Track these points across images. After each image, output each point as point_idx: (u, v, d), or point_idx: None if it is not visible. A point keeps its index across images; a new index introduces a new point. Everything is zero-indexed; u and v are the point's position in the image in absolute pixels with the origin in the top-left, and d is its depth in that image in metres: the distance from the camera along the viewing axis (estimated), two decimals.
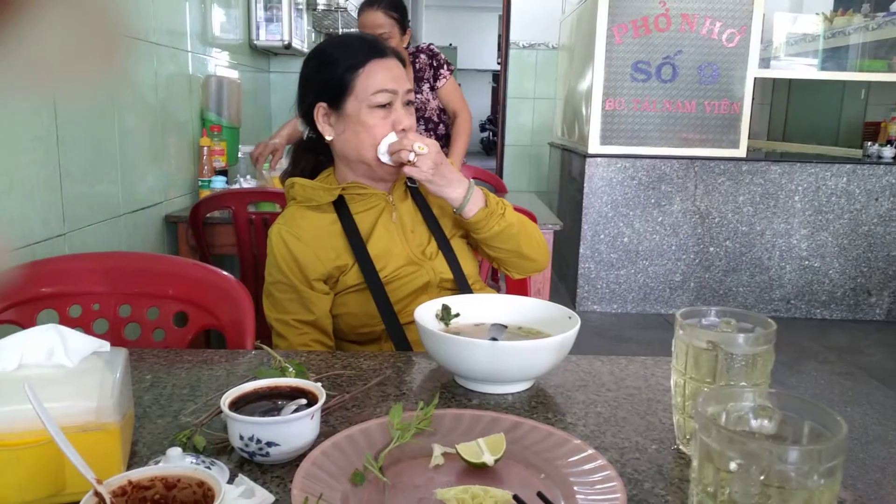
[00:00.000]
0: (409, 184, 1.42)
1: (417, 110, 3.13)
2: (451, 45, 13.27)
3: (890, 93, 4.92)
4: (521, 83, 5.85)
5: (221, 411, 0.78)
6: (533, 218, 1.84)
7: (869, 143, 4.46)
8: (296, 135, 2.68)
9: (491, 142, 13.22)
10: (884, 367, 3.53)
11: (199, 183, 2.73)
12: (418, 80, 3.13)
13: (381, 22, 2.90)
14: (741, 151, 4.16)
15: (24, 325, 1.29)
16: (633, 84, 4.12)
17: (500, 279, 2.54)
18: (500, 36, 6.98)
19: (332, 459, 0.75)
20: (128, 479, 0.60)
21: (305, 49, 3.99)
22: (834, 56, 4.77)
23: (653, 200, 4.21)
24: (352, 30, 4.61)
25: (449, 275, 1.35)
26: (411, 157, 1.24)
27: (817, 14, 4.84)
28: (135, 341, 1.38)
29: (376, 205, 1.36)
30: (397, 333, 1.29)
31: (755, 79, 4.10)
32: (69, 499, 0.69)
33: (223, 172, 2.79)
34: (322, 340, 1.31)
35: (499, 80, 6.25)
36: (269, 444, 0.75)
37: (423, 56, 3.13)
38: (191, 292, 1.38)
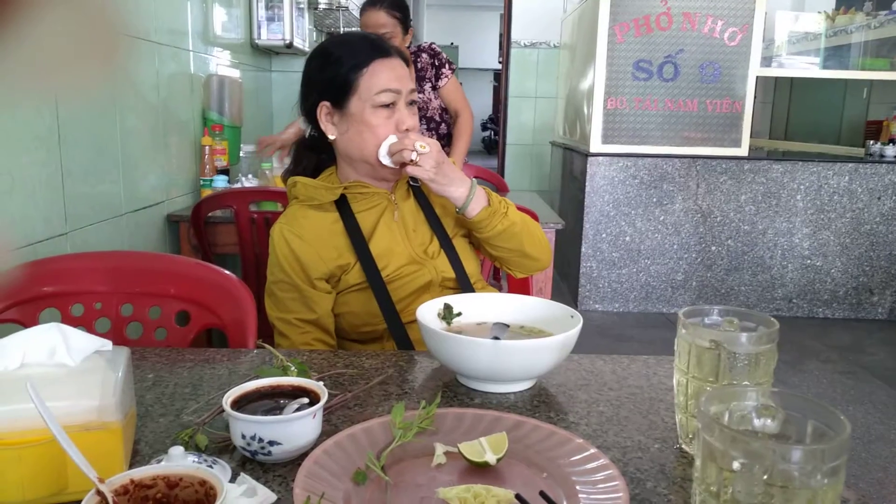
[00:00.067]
0: (411, 183, 1.42)
1: (419, 110, 3.12)
2: (452, 44, 13.25)
3: (892, 91, 4.91)
4: (523, 82, 5.84)
5: (223, 410, 0.78)
6: (535, 217, 1.84)
7: (871, 142, 4.45)
8: (302, 133, 2.69)
9: (492, 141, 13.21)
10: (886, 367, 3.52)
11: (201, 182, 2.74)
12: (420, 80, 3.12)
13: (383, 21, 2.90)
14: (743, 150, 4.15)
15: (26, 324, 1.29)
16: (635, 83, 4.11)
17: (502, 278, 2.53)
18: (501, 35, 6.97)
19: (334, 458, 0.74)
20: (130, 478, 0.60)
21: (307, 48, 3.99)
22: (836, 54, 4.76)
23: (654, 199, 4.20)
24: (353, 29, 4.61)
25: (451, 274, 1.35)
26: (413, 156, 1.24)
27: (819, 12, 4.83)
28: (137, 340, 1.38)
29: (378, 204, 1.36)
30: (399, 332, 1.29)
31: (757, 77, 4.09)
32: (71, 498, 0.69)
33: (225, 171, 2.79)
34: (324, 339, 1.31)
35: (500, 79, 6.24)
36: (272, 442, 0.75)
37: (424, 55, 3.13)
38: (193, 291, 1.38)
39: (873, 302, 4.27)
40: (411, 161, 1.25)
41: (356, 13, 4.52)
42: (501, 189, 3.53)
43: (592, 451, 0.77)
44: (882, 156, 4.25)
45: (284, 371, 0.91)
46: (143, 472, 0.60)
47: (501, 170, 5.94)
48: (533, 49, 5.77)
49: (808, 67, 4.88)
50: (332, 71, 1.31)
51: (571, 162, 4.73)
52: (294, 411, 0.79)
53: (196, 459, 0.75)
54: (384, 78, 1.29)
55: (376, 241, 1.32)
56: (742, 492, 0.55)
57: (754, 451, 0.54)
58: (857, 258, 4.22)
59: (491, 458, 0.75)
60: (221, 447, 0.81)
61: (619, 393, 1.00)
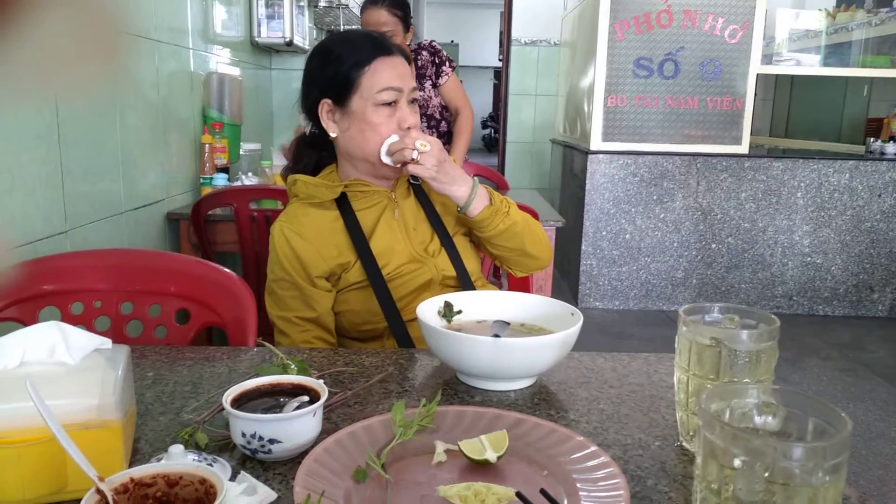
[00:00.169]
0: (411, 181, 1.42)
1: (420, 108, 3.12)
2: (452, 41, 13.24)
3: (893, 89, 4.91)
4: (523, 80, 5.83)
5: (223, 408, 0.78)
6: (535, 215, 1.83)
7: (871, 140, 4.44)
8: None
9: (493, 139, 13.20)
10: (886, 364, 3.52)
11: (201, 180, 2.73)
12: (420, 78, 3.12)
13: (384, 20, 2.89)
14: (743, 148, 4.15)
15: (26, 322, 1.29)
16: (635, 80, 4.11)
17: (503, 276, 2.53)
18: (501, 32, 6.97)
19: (335, 456, 0.74)
20: (130, 477, 0.60)
21: (307, 46, 3.99)
22: (837, 52, 4.76)
23: (655, 197, 4.20)
24: (354, 27, 4.61)
25: (451, 272, 1.35)
26: (414, 154, 1.24)
27: (820, 10, 4.83)
28: (137, 338, 1.38)
29: (379, 202, 1.36)
30: (400, 331, 1.29)
31: (757, 75, 4.09)
32: (71, 496, 0.69)
33: (225, 170, 2.79)
34: (324, 337, 1.31)
35: (500, 76, 6.24)
36: (272, 441, 0.75)
37: (424, 53, 3.12)
38: (193, 289, 1.37)
39: (873, 299, 4.27)
40: (412, 160, 1.24)
41: (356, 11, 4.52)
42: (502, 187, 3.53)
43: (593, 448, 0.77)
44: (882, 153, 4.25)
45: (284, 369, 0.91)
46: (143, 471, 0.60)
47: (502, 168, 5.94)
48: (533, 47, 5.77)
49: (808, 65, 4.88)
50: (334, 69, 1.30)
51: (572, 160, 4.73)
52: (294, 409, 0.79)
53: (196, 458, 0.75)
54: (386, 76, 1.29)
55: (377, 239, 1.32)
56: (743, 489, 0.55)
57: (755, 449, 0.54)
58: (857, 255, 4.21)
59: (491, 455, 0.75)
60: (221, 445, 0.81)
61: (620, 390, 1.00)
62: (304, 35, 4.02)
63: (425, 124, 3.21)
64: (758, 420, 0.62)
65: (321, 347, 1.26)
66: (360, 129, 1.30)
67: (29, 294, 1.33)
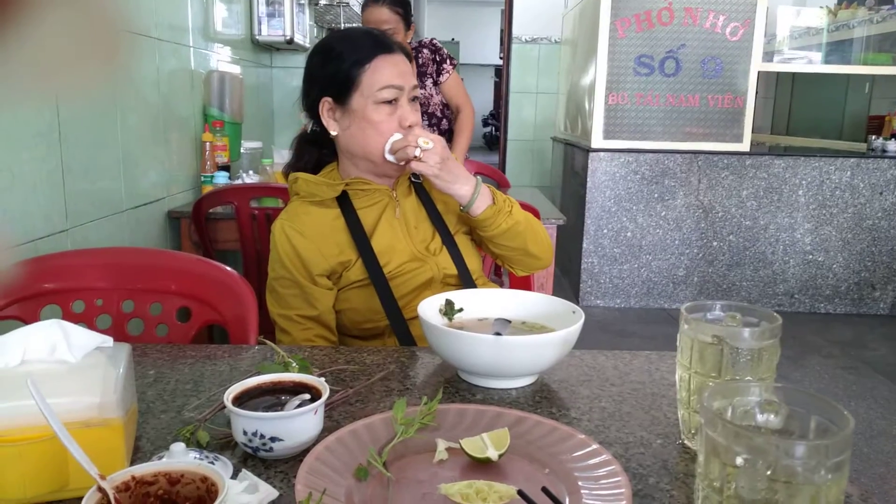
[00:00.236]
0: (412, 179, 1.42)
1: (420, 106, 3.11)
2: (453, 39, 13.22)
3: (894, 86, 4.89)
4: (524, 78, 5.83)
5: (225, 406, 0.78)
6: (536, 213, 1.83)
7: (873, 137, 4.44)
8: None
9: (493, 137, 13.18)
10: (888, 362, 3.52)
11: (202, 178, 2.73)
12: (421, 76, 3.12)
13: (385, 17, 2.89)
14: (745, 145, 4.14)
15: (27, 320, 1.29)
16: (636, 78, 4.10)
17: (504, 274, 2.53)
18: (502, 30, 6.96)
19: (336, 455, 0.74)
20: (131, 475, 0.59)
21: (307, 44, 3.98)
22: (838, 49, 4.75)
23: (656, 195, 4.20)
24: (354, 25, 4.61)
25: (453, 270, 1.35)
26: (417, 152, 1.24)
27: (821, 7, 4.82)
28: (138, 337, 1.38)
29: (380, 200, 1.35)
30: (401, 329, 1.28)
31: (759, 72, 4.08)
32: (72, 494, 0.69)
33: (226, 168, 2.79)
34: (325, 336, 1.31)
35: (501, 74, 6.23)
36: (273, 439, 0.75)
37: (425, 51, 3.12)
38: (194, 288, 1.37)
39: (875, 297, 4.27)
40: (415, 157, 1.24)
41: (357, 9, 4.52)
42: (502, 185, 3.53)
43: (594, 446, 0.77)
44: (884, 151, 4.24)
45: (286, 367, 0.91)
46: (145, 469, 0.60)
47: (502, 166, 5.94)
48: (534, 44, 5.76)
49: (810, 62, 4.87)
50: (334, 66, 1.30)
51: (573, 157, 4.72)
52: (295, 407, 0.79)
53: (198, 456, 0.75)
54: (386, 74, 1.28)
55: (378, 237, 1.32)
56: (745, 487, 0.55)
57: (757, 447, 0.54)
58: (858, 253, 4.21)
59: (493, 453, 0.75)
60: (223, 443, 0.81)
61: (622, 388, 1.00)
62: (305, 33, 4.02)
63: (426, 122, 3.20)
64: (760, 418, 0.62)
65: (322, 345, 1.26)
66: (360, 128, 1.29)
67: (30, 292, 1.33)
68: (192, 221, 2.42)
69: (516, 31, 5.75)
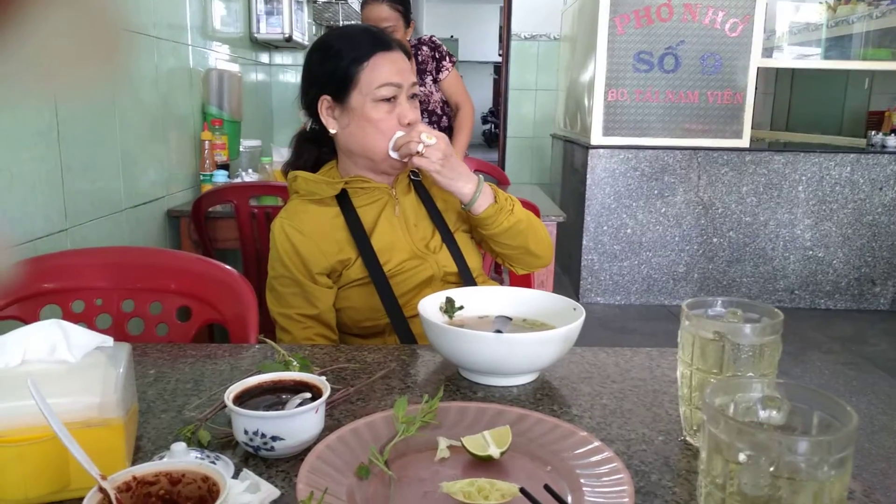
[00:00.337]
0: (412, 177, 1.42)
1: (421, 103, 3.11)
2: (452, 36, 13.22)
3: (894, 82, 4.89)
4: (523, 75, 5.83)
5: (226, 406, 0.77)
6: (536, 210, 1.83)
7: (873, 133, 4.44)
8: None
9: (493, 134, 13.18)
10: (888, 357, 3.52)
11: (201, 177, 2.73)
12: (421, 73, 3.11)
13: (385, 15, 2.88)
14: (744, 142, 4.14)
15: (27, 320, 1.28)
16: (636, 74, 4.10)
17: (504, 272, 2.53)
18: (501, 27, 6.95)
19: (337, 453, 0.74)
20: (132, 475, 0.59)
21: (306, 42, 3.98)
22: (837, 45, 4.75)
23: (656, 191, 4.20)
24: (353, 22, 4.60)
25: (453, 268, 1.35)
26: (419, 147, 1.23)
27: (820, 3, 4.81)
28: (138, 336, 1.38)
29: (379, 198, 1.35)
30: (402, 327, 1.28)
31: (758, 68, 4.08)
32: (73, 495, 0.69)
33: (225, 166, 2.79)
34: (326, 334, 1.31)
35: (500, 71, 6.23)
36: (274, 438, 0.75)
37: (425, 48, 3.12)
38: (194, 287, 1.37)
39: (875, 292, 4.27)
40: (417, 153, 1.24)
41: (355, 6, 4.52)
42: (502, 182, 3.53)
43: (596, 443, 0.76)
44: (884, 146, 4.24)
45: (286, 366, 0.91)
46: (146, 469, 0.60)
47: (502, 163, 5.94)
48: (533, 41, 5.75)
49: (809, 58, 4.86)
50: (333, 64, 1.30)
51: (572, 154, 4.72)
52: (296, 406, 0.78)
53: (199, 455, 0.74)
54: (385, 72, 1.28)
55: (378, 235, 1.31)
56: (748, 484, 0.55)
57: (760, 443, 0.54)
58: (859, 249, 4.21)
59: (494, 451, 0.75)
60: (224, 443, 0.81)
61: (623, 385, 1.00)
62: (304, 31, 4.01)
63: (426, 120, 3.20)
64: (762, 414, 0.62)
65: (323, 344, 1.26)
66: (359, 126, 1.29)
67: (30, 292, 1.32)
68: (192, 220, 2.42)
69: (515, 27, 5.75)
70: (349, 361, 1.07)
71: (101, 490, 0.57)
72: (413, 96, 1.32)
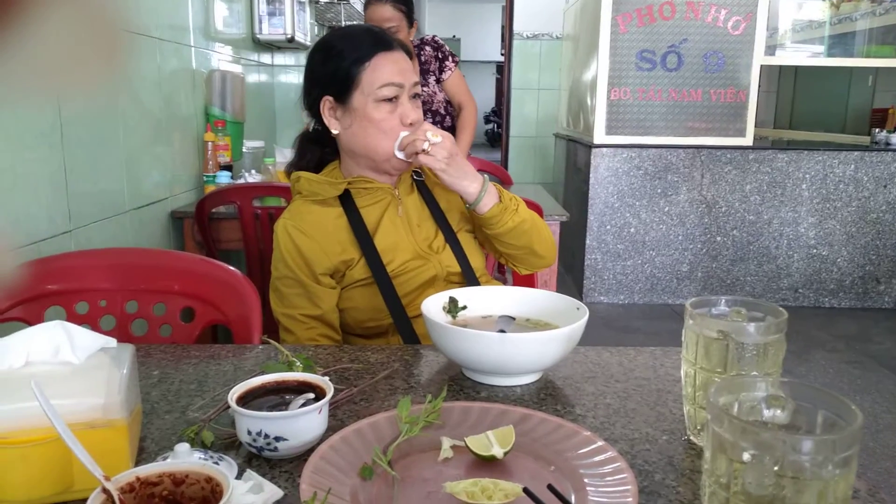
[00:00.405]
0: (415, 177, 1.42)
1: (424, 103, 3.11)
2: (454, 36, 13.21)
3: None
4: (526, 74, 5.82)
5: (229, 406, 0.77)
6: (539, 210, 1.83)
7: (877, 130, 4.42)
8: None
9: (496, 133, 13.17)
10: (893, 356, 3.51)
11: (204, 178, 2.73)
12: (424, 73, 3.11)
13: (389, 15, 2.88)
14: (748, 140, 4.13)
15: (31, 322, 1.29)
16: (639, 73, 4.09)
17: (507, 272, 2.53)
18: (503, 27, 6.95)
19: (341, 454, 0.74)
20: (136, 476, 0.59)
21: (308, 42, 3.98)
22: (841, 42, 4.73)
23: (659, 190, 4.19)
24: (355, 22, 4.60)
25: (456, 268, 1.35)
26: (425, 145, 1.23)
27: (824, 0, 4.80)
28: (142, 337, 1.38)
29: (382, 199, 1.35)
30: (405, 327, 1.28)
31: (761, 66, 4.07)
32: (77, 496, 0.69)
33: (228, 167, 2.79)
34: (329, 335, 1.31)
35: (503, 71, 6.22)
36: (278, 438, 0.75)
37: (428, 48, 3.11)
38: (197, 288, 1.37)
39: (880, 291, 4.26)
40: (423, 150, 1.24)
41: (357, 7, 4.52)
42: (505, 182, 3.52)
43: (600, 443, 0.76)
44: (888, 144, 4.22)
45: (290, 366, 0.91)
46: (149, 470, 0.60)
47: (505, 162, 5.93)
48: (535, 41, 5.75)
49: (812, 56, 4.85)
50: (334, 65, 1.30)
51: (575, 153, 4.72)
52: (300, 407, 0.78)
53: (202, 456, 0.75)
54: (387, 72, 1.28)
55: (381, 236, 1.31)
56: (752, 483, 0.55)
57: (764, 442, 0.54)
58: (863, 247, 4.20)
59: (498, 451, 0.75)
60: (227, 443, 0.81)
61: (626, 385, 1.00)
62: (306, 31, 4.01)
63: (430, 120, 3.20)
64: (766, 413, 0.62)
65: (326, 344, 1.26)
66: (362, 126, 1.29)
67: (34, 294, 1.33)
68: (195, 221, 2.42)
69: (517, 27, 5.74)
70: (352, 362, 1.07)
71: (105, 491, 0.57)
72: (415, 96, 1.32)
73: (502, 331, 1.04)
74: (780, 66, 5.91)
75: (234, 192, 2.38)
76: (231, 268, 1.38)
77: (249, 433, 0.76)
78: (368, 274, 1.29)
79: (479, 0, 13.24)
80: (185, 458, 0.69)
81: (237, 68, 3.30)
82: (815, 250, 4.22)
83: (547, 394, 0.97)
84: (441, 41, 3.16)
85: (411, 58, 1.36)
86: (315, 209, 1.32)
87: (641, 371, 1.05)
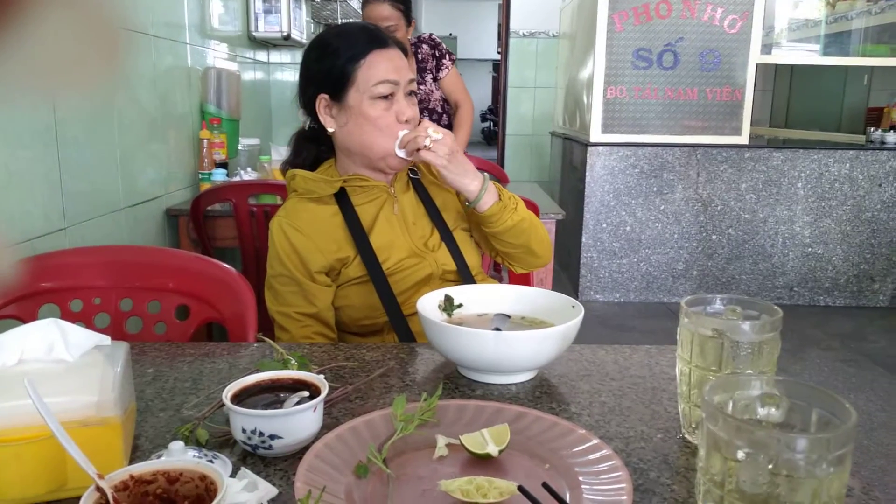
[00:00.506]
0: (411, 176, 1.42)
1: (421, 101, 3.11)
2: (451, 34, 13.20)
3: (893, 78, 4.89)
4: (522, 72, 5.82)
5: (224, 404, 0.77)
6: (536, 209, 1.83)
7: (872, 129, 4.43)
8: None
9: (492, 132, 13.17)
10: (887, 354, 3.52)
11: (200, 176, 2.73)
12: (421, 71, 3.11)
13: (387, 14, 2.87)
14: (743, 138, 4.14)
15: (25, 319, 1.28)
16: (635, 71, 4.09)
17: (503, 270, 2.53)
18: (500, 25, 6.95)
19: (336, 452, 0.74)
20: (130, 474, 0.59)
21: (304, 40, 3.97)
22: (836, 41, 4.74)
23: (655, 189, 4.19)
24: (351, 20, 4.59)
25: (452, 266, 1.35)
26: (427, 142, 1.23)
27: None
28: (136, 335, 1.37)
29: (378, 197, 1.35)
30: (400, 325, 1.28)
31: (757, 65, 4.07)
32: (71, 494, 0.68)
33: (223, 165, 2.78)
34: (324, 333, 1.30)
35: (499, 69, 6.22)
36: (272, 436, 0.75)
37: (425, 46, 3.11)
38: (192, 285, 1.37)
39: (874, 289, 4.27)
40: (425, 146, 1.24)
41: (353, 4, 4.51)
42: (501, 180, 3.52)
43: (595, 441, 0.76)
44: (883, 143, 4.24)
45: (285, 364, 0.91)
46: (143, 468, 0.60)
47: (501, 160, 5.93)
48: (532, 39, 5.75)
49: (808, 54, 4.86)
50: (330, 62, 1.29)
51: (571, 152, 4.72)
52: (294, 405, 0.78)
53: (196, 454, 0.74)
54: (382, 69, 1.28)
55: (376, 234, 1.31)
56: (747, 481, 0.55)
57: (759, 441, 0.54)
58: (858, 246, 4.21)
59: (493, 449, 0.75)
60: (222, 441, 0.81)
61: (622, 383, 1.00)
62: (302, 29, 4.01)
63: (427, 118, 3.20)
64: (761, 412, 0.62)
65: (321, 342, 1.25)
66: (357, 124, 1.29)
67: (28, 292, 1.32)
68: (191, 219, 2.41)
69: (514, 25, 5.74)
70: (348, 360, 1.07)
71: (99, 489, 0.56)
72: (411, 93, 1.32)
73: (498, 329, 1.04)
74: (776, 65, 5.93)
75: (230, 190, 2.37)
76: (226, 265, 1.37)
77: (244, 431, 0.75)
78: (364, 272, 1.29)
79: None
80: (179, 457, 0.69)
81: (233, 66, 3.29)
82: (810, 249, 4.23)
83: (542, 392, 0.97)
84: (438, 39, 3.16)
85: (407, 55, 1.35)
86: (311, 207, 1.32)
87: (636, 369, 1.05)
